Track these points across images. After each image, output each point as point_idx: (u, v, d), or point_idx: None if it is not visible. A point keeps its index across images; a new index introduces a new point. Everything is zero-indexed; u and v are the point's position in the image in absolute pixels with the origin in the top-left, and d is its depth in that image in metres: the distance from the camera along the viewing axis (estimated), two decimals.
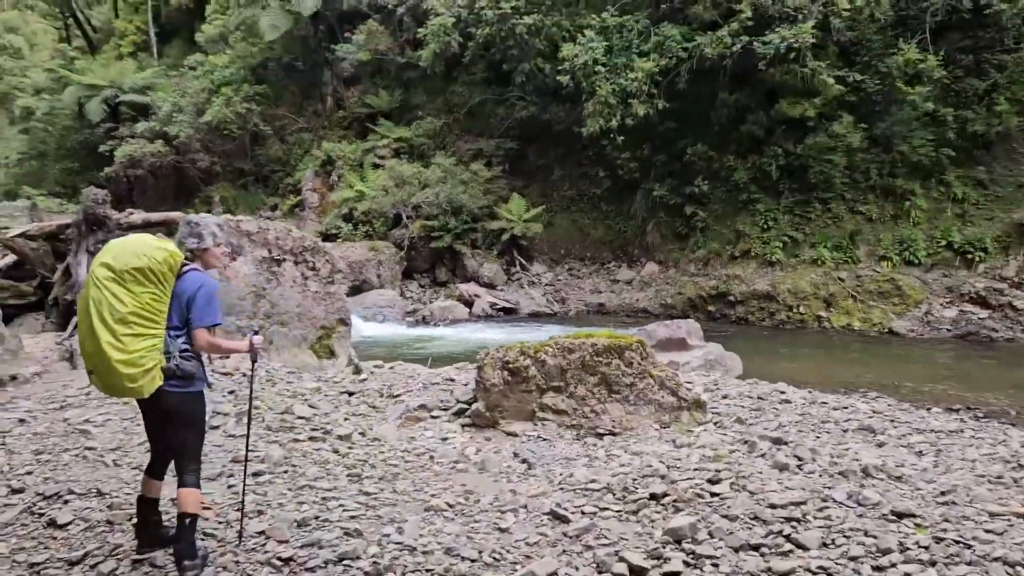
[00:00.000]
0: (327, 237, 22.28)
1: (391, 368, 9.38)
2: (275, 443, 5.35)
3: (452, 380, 8.14)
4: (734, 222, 18.72)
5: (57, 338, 11.44)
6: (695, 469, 5.01)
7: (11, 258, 12.26)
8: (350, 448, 5.34)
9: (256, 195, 28.85)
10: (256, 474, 4.69)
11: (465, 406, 6.88)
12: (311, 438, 5.50)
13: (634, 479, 4.82)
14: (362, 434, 5.78)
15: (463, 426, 6.64)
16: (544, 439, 6.11)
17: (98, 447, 5.46)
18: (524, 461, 5.46)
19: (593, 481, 4.77)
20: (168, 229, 14.40)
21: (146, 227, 14.10)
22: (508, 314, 19.27)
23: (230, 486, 4.57)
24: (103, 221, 11.88)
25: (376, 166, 23.71)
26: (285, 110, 29.71)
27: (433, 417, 6.84)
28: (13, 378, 8.34)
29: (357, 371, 9.21)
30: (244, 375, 7.58)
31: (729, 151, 19.15)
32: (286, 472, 4.80)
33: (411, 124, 25.59)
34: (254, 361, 3.98)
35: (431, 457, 5.41)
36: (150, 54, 36.34)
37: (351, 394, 7.44)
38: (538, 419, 6.39)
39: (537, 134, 23.31)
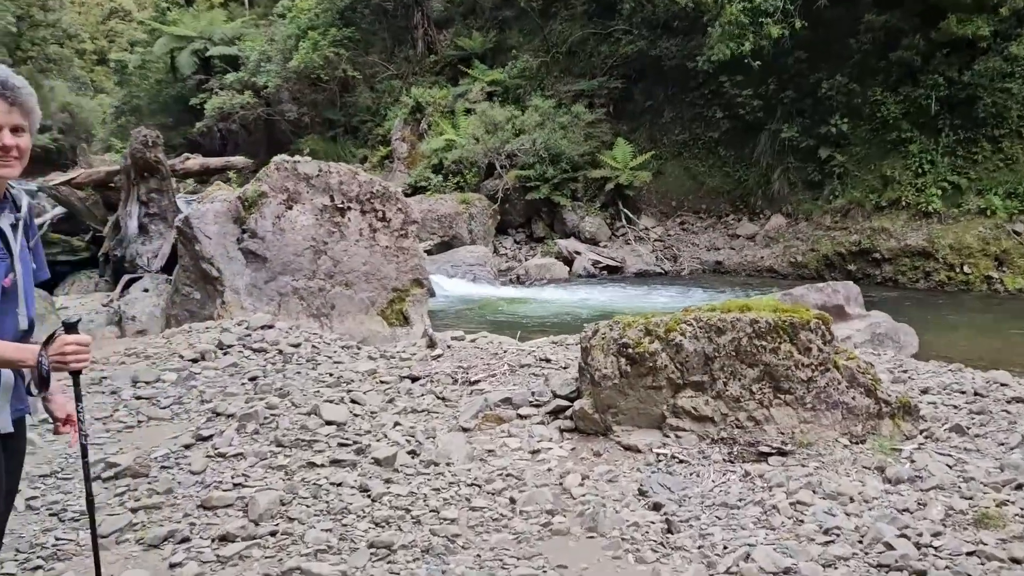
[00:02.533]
0: (416, 189, 20.69)
1: (472, 341, 7.55)
2: (276, 471, 3.60)
3: (547, 361, 6.24)
4: (880, 166, 15.94)
5: (105, 298, 10.17)
6: (953, 540, 2.96)
7: (61, 210, 11.07)
8: (388, 483, 3.52)
9: (345, 146, 27.55)
10: (222, 539, 2.94)
11: (565, 402, 4.98)
12: (334, 461, 3.72)
13: (854, 563, 2.82)
14: (413, 453, 3.96)
15: (562, 431, 4.76)
16: (680, 460, 4.17)
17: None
18: (657, 507, 3.53)
19: (788, 572, 2.78)
20: (225, 177, 13.23)
21: (205, 173, 12.86)
22: (612, 273, 17.22)
23: (172, 565, 2.81)
24: (155, 167, 10.49)
25: (468, 112, 21.82)
26: (375, 56, 28.17)
27: (521, 417, 4.97)
28: None
29: (431, 344, 7.45)
30: (281, 352, 5.91)
31: (875, 83, 16.28)
32: (271, 537, 3.01)
33: (506, 66, 23.54)
34: (42, 384, 2.08)
35: (511, 499, 3.53)
36: (241, 4, 35.45)
37: (415, 379, 5.66)
38: (669, 427, 4.44)
39: (645, 72, 20.86)
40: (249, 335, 6.46)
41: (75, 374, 2.21)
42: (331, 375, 5.40)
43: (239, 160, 12.39)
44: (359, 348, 6.75)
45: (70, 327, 2.10)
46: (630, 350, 4.45)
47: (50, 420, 2.35)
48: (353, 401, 4.77)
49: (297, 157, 8.88)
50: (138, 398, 4.61)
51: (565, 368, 6.04)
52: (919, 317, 11.33)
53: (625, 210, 19.02)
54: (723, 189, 19.13)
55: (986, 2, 13.95)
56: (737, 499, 3.57)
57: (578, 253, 17.55)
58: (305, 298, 8.47)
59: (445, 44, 27.09)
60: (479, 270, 16.09)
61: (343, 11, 26.99)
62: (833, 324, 8.67)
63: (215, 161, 12.61)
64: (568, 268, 17.06)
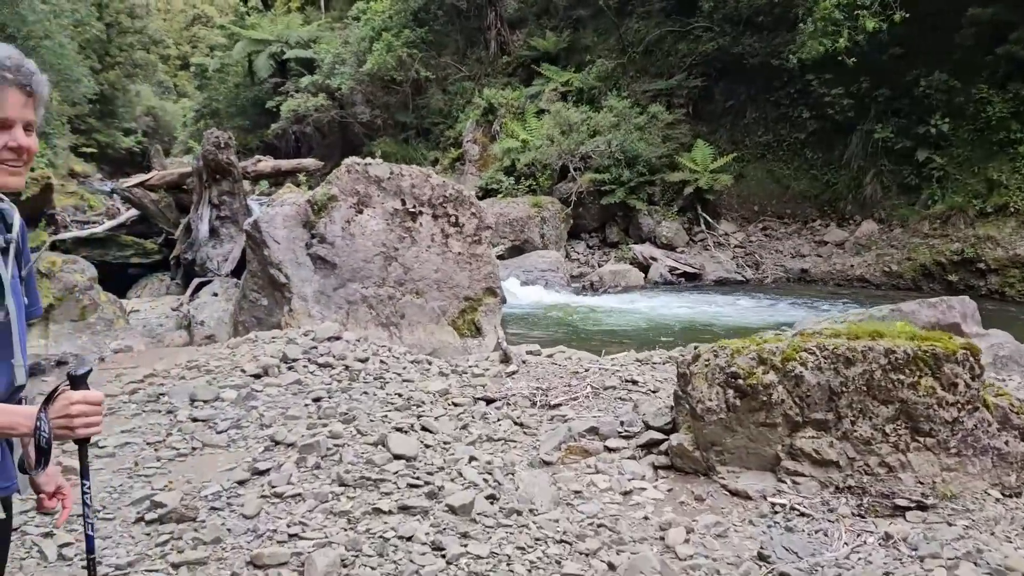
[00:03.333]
0: (487, 192, 20.31)
1: (550, 357, 7.05)
2: (337, 519, 3.14)
3: (634, 383, 5.69)
4: (984, 169, 14.79)
5: (175, 302, 10.03)
6: None
7: (135, 212, 11.01)
8: (465, 538, 3.02)
9: (417, 149, 27.41)
10: None
11: (659, 435, 4.42)
12: (403, 508, 3.24)
13: None
14: (492, 498, 3.45)
15: (656, 468, 4.21)
16: (801, 512, 3.57)
17: None
18: None
19: None
20: (296, 179, 13.04)
21: (276, 175, 12.70)
22: (690, 280, 16.49)
23: None
24: (227, 169, 10.31)
25: (540, 113, 21.34)
26: (448, 57, 27.97)
27: (609, 450, 4.44)
28: (76, 358, 6.77)
29: (505, 359, 6.97)
30: (347, 368, 5.50)
31: (979, 80, 15.13)
32: None
33: (579, 67, 22.96)
34: (40, 457, 1.59)
35: (610, 565, 2.99)
36: (317, 8, 35.79)
37: (490, 401, 5.18)
38: (785, 471, 3.84)
39: (726, 70, 20.01)
40: (315, 347, 6.09)
41: (82, 442, 1.70)
42: (400, 395, 4.96)
43: (310, 162, 12.17)
44: (429, 363, 6.31)
45: (77, 380, 1.60)
46: (740, 381, 3.87)
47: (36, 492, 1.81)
48: (424, 429, 4.31)
49: (368, 159, 8.53)
50: (194, 420, 4.25)
51: (654, 392, 5.48)
52: None
53: (704, 215, 18.23)
54: (809, 193, 18.16)
55: None
56: (883, 572, 2.96)
57: (654, 259, 16.87)
58: (374, 306, 8.10)
59: (518, 44, 26.70)
60: (551, 276, 15.58)
61: (416, 12, 26.86)
62: None
63: (287, 163, 12.43)
64: (644, 275, 16.40)
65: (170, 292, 10.81)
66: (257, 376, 5.18)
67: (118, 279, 11.08)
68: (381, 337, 7.98)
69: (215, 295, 9.97)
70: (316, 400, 4.68)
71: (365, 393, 4.91)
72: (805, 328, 5.08)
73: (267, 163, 11.85)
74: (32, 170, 12.26)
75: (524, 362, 6.88)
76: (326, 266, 8.09)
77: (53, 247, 9.94)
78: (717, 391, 3.96)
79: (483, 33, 27.24)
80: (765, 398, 3.81)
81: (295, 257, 8.14)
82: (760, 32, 19.07)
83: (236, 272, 10.31)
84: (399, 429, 4.21)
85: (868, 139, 16.64)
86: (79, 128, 35.82)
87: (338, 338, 6.48)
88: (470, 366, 6.78)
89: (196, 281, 10.01)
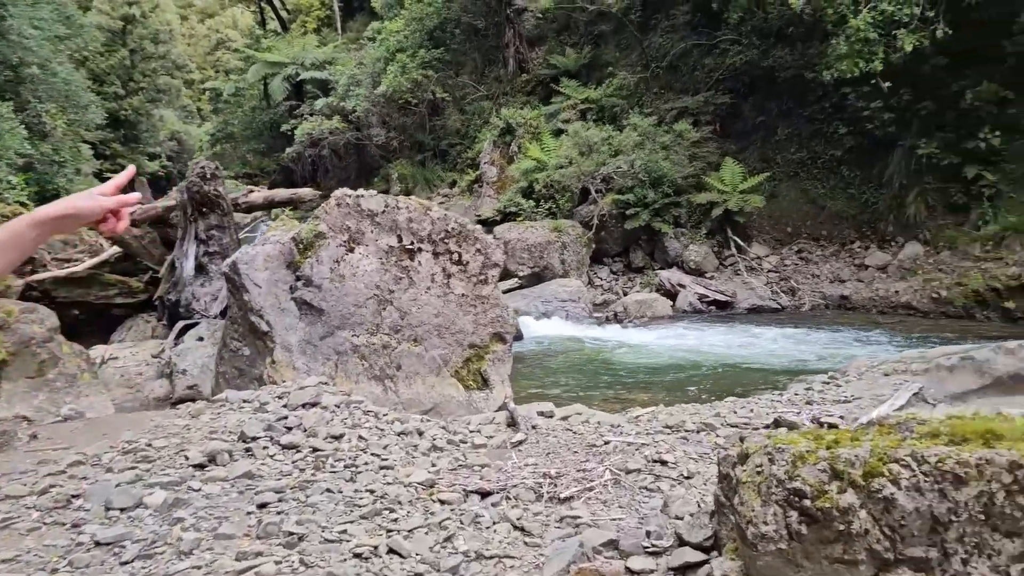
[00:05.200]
0: (506, 216, 19.45)
1: (564, 420, 6.08)
2: None
3: (663, 464, 4.70)
4: None
5: (158, 347, 9.19)
6: None
7: (116, 249, 10.22)
8: None
9: (434, 171, 26.64)
10: None
11: (697, 554, 3.43)
12: None
13: None
14: None
15: None
16: None
17: None
18: None
19: None
20: (295, 207, 12.22)
21: (270, 206, 11.86)
22: (721, 309, 15.42)
23: None
24: (215, 201, 9.49)
25: (559, 132, 20.46)
26: (465, 77, 27.24)
27: (632, 573, 3.45)
28: (28, 421, 5.91)
29: (512, 423, 6.01)
30: (314, 451, 4.57)
31: None
32: None
33: (600, 84, 22.07)
34: None
35: None
36: (333, 29, 35.34)
37: (485, 495, 4.21)
38: None
39: (755, 85, 19.00)
40: (285, 418, 5.18)
41: None
42: (372, 492, 4.00)
43: (306, 192, 11.36)
44: (420, 433, 5.36)
45: None
46: (807, 501, 2.87)
47: None
48: (392, 551, 3.34)
49: (360, 191, 7.64)
50: (98, 543, 3.33)
51: (688, 479, 4.48)
52: None
53: (734, 237, 17.17)
54: (847, 214, 17.03)
55: None
56: None
57: (682, 286, 15.83)
58: (367, 357, 7.18)
59: (537, 62, 25.90)
60: (572, 307, 14.60)
61: (432, 32, 26.18)
62: None
63: (281, 193, 11.61)
64: (671, 303, 15.36)
65: (156, 334, 9.99)
66: (201, 466, 4.26)
67: (102, 320, 10.32)
68: (374, 392, 7.07)
69: (200, 339, 9.12)
70: (262, 506, 3.73)
71: (328, 491, 3.96)
72: (885, 415, 4.08)
73: (259, 194, 11.06)
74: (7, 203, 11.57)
75: (534, 427, 5.91)
76: (312, 312, 7.19)
77: (28, 289, 9.18)
78: (775, 512, 2.96)
79: (501, 51, 26.49)
80: (842, 526, 2.81)
81: (278, 302, 7.26)
82: (791, 44, 18.06)
83: (225, 313, 9.48)
84: (358, 555, 3.26)
85: (911, 155, 15.51)
86: (103, 154, 35.68)
87: (315, 404, 5.56)
88: (471, 432, 5.83)
89: (180, 324, 9.18)
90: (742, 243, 17.10)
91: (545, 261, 16.90)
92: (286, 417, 5.19)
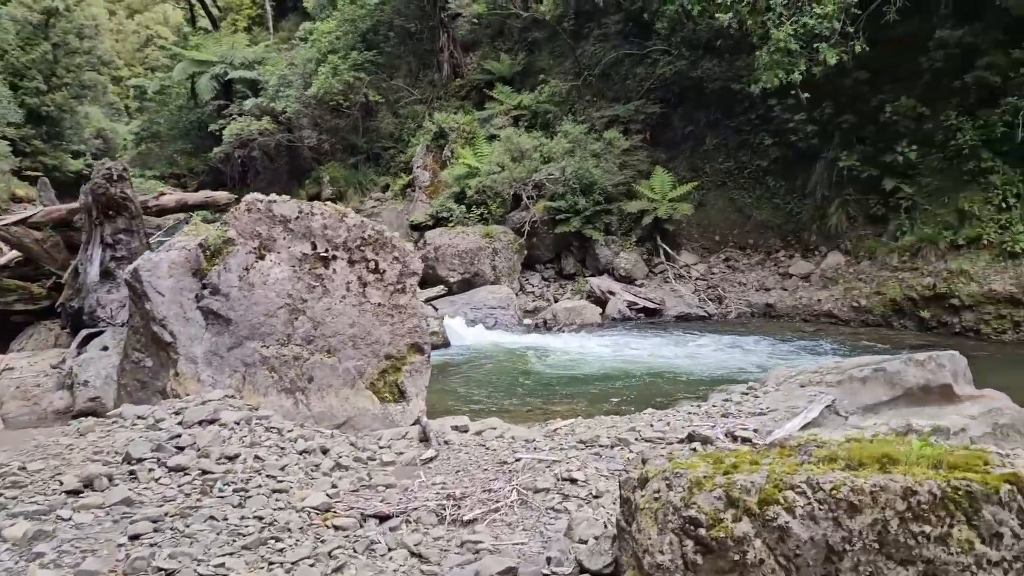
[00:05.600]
0: (438, 221, 19.23)
1: (478, 435, 5.92)
2: None
3: (573, 482, 4.58)
4: (956, 200, 14.03)
5: (58, 357, 8.70)
6: None
7: (15, 253, 9.67)
8: None
9: (367, 174, 26.22)
10: None
11: None
12: None
13: None
14: None
15: None
16: None
17: None
18: None
19: None
20: (212, 211, 11.82)
21: (182, 209, 11.40)
22: (650, 316, 15.50)
23: None
24: (122, 204, 9.04)
25: (492, 138, 20.34)
26: (400, 80, 26.90)
27: None
28: None
29: (424, 438, 5.82)
30: (204, 474, 4.31)
31: (948, 106, 14.43)
32: None
33: (534, 90, 22.04)
34: None
35: None
36: (265, 28, 34.58)
37: (383, 519, 4.01)
38: None
39: (685, 95, 19.22)
40: (178, 436, 4.89)
41: None
42: (260, 520, 3.77)
43: (222, 195, 10.95)
44: (325, 451, 5.14)
45: None
46: (702, 530, 2.76)
47: None
48: None
49: (273, 196, 7.35)
50: None
51: (597, 499, 4.37)
52: (1011, 381, 9.50)
53: (664, 245, 17.30)
54: (772, 223, 17.33)
55: None
56: None
57: (612, 293, 15.85)
58: (277, 369, 6.89)
59: (472, 67, 25.76)
60: (501, 314, 14.47)
61: (365, 34, 25.79)
62: (936, 406, 6.91)
63: (194, 196, 11.19)
64: (600, 310, 15.36)
65: (59, 343, 9.47)
66: (75, 492, 3.95)
67: (1, 328, 9.75)
68: (284, 406, 6.78)
69: (105, 349, 8.66)
70: (135, 538, 3.46)
71: (212, 519, 3.71)
72: (787, 436, 4.03)
73: (171, 196, 10.61)
74: None
75: (447, 442, 5.73)
76: (219, 322, 6.87)
77: None
78: (671, 541, 2.84)
79: (435, 55, 26.25)
80: (737, 556, 2.71)
81: (183, 311, 6.91)
82: (719, 56, 18.32)
83: None
84: None
85: (832, 167, 15.87)
86: (23, 151, 34.14)
87: (213, 421, 5.27)
88: (381, 448, 5.62)
89: (84, 332, 8.71)
90: (671, 251, 17.24)
91: (476, 267, 16.74)
92: (179, 436, 4.90)
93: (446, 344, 12.47)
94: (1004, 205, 13.34)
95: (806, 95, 13.79)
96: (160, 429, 5.10)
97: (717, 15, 14.54)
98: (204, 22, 41.93)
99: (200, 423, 5.19)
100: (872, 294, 14.33)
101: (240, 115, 27.49)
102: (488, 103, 22.66)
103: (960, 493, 2.64)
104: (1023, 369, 10.65)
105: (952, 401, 6.69)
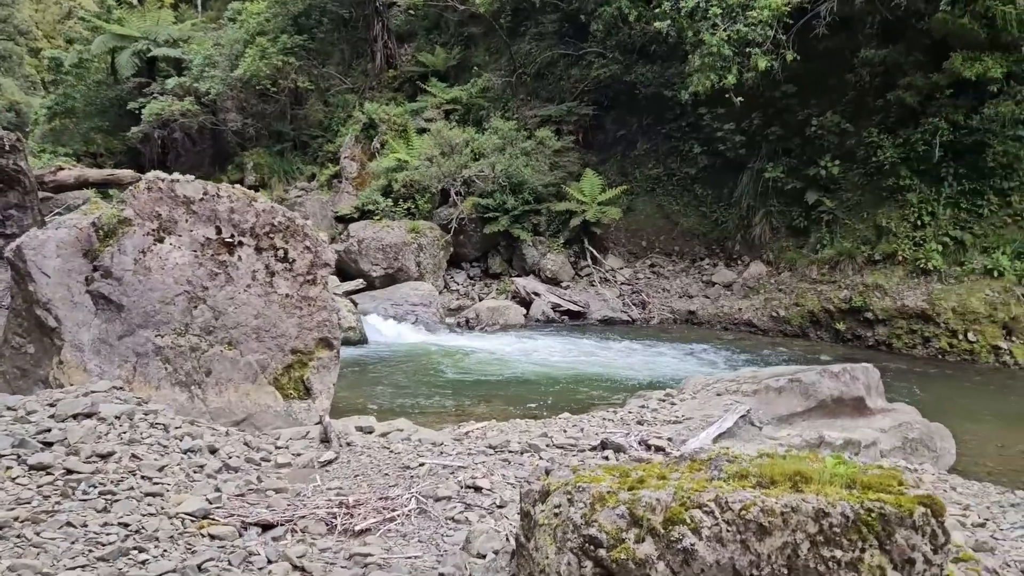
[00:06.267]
0: (364, 213, 18.78)
1: (383, 437, 5.62)
2: None
3: (477, 490, 4.33)
4: (874, 216, 14.38)
5: None
6: None
7: None
8: None
9: (293, 162, 25.47)
10: None
11: None
12: None
13: None
14: None
15: None
16: None
17: None
18: None
19: None
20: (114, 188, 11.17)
21: (82, 186, 10.71)
22: (574, 319, 15.41)
23: None
24: (14, 178, 8.39)
25: (423, 131, 19.96)
26: (332, 68, 26.23)
27: None
28: None
29: (325, 439, 5.49)
30: (69, 473, 3.90)
31: (870, 123, 14.77)
32: None
33: (467, 84, 21.75)
34: None
35: None
36: (192, 6, 33.30)
37: (267, 528, 3.69)
38: None
39: (618, 99, 19.23)
40: (47, 431, 4.44)
41: None
42: (125, 527, 3.40)
43: (127, 173, 10.32)
44: (214, 450, 4.76)
45: None
46: (602, 551, 2.54)
47: None
48: None
49: (176, 175, 6.88)
50: None
51: (500, 509, 4.13)
52: (916, 393, 9.74)
53: (591, 248, 17.24)
54: (698, 231, 17.47)
55: (1001, 39, 12.50)
56: None
57: (537, 295, 15.70)
58: (171, 360, 6.43)
59: (406, 59, 25.30)
60: (423, 311, 14.13)
61: (296, 17, 25.01)
62: (848, 419, 6.91)
63: (94, 173, 10.53)
64: (524, 311, 15.18)
65: None
66: None
67: None
68: (178, 400, 6.34)
69: None
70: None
71: (68, 525, 3.33)
72: (700, 446, 3.86)
73: (69, 172, 9.93)
74: None
75: (349, 444, 5.42)
76: (110, 307, 6.37)
77: None
78: (569, 561, 2.62)
79: (369, 44, 25.67)
80: None
81: (70, 295, 6.39)
82: (653, 62, 18.38)
83: None
84: None
85: (758, 178, 16.07)
86: None
87: (91, 415, 4.83)
88: (278, 449, 5.28)
89: None
90: (598, 254, 17.19)
91: (400, 262, 16.36)
92: (48, 430, 4.46)
93: (363, 340, 12.08)
94: (919, 223, 13.70)
95: (739, 99, 13.87)
96: (30, 422, 4.64)
97: (655, 24, 14.55)
98: None
99: (75, 417, 4.74)
100: (791, 305, 14.54)
101: (162, 94, 26.34)
102: (421, 96, 22.26)
103: (873, 516, 2.49)
104: (932, 384, 10.90)
105: (864, 414, 6.70)
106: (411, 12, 25.30)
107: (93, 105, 30.58)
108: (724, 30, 13.38)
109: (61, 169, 10.06)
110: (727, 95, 13.79)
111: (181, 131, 27.35)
